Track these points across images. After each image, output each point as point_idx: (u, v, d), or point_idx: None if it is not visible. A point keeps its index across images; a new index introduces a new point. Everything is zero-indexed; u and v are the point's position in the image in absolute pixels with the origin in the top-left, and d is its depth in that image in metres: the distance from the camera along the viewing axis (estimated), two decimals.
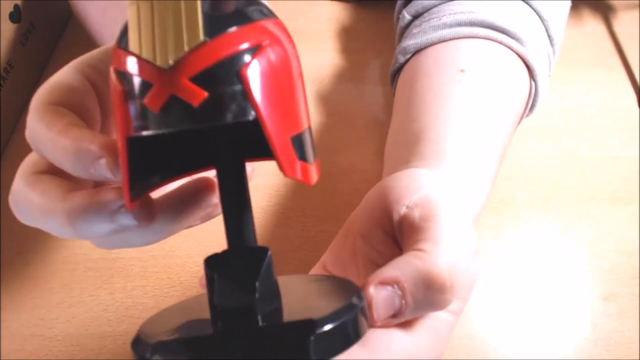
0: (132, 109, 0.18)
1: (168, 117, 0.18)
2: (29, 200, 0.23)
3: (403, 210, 0.29)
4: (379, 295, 0.23)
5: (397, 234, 0.30)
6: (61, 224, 0.22)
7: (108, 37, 0.44)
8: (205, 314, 0.21)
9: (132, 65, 0.18)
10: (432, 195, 0.29)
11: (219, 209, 0.22)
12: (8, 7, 0.53)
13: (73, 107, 0.23)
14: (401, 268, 0.24)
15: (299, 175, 0.19)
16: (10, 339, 0.42)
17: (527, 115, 0.46)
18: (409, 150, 0.36)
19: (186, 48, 0.17)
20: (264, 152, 0.19)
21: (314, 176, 0.20)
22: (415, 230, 0.27)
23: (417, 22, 0.45)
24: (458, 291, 0.26)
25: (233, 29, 0.18)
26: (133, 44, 0.18)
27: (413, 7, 0.46)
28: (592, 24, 0.65)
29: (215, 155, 0.22)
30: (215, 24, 0.18)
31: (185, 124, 0.18)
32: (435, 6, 0.45)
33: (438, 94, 0.39)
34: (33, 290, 0.45)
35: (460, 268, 0.26)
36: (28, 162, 0.25)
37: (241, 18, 0.18)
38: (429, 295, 0.24)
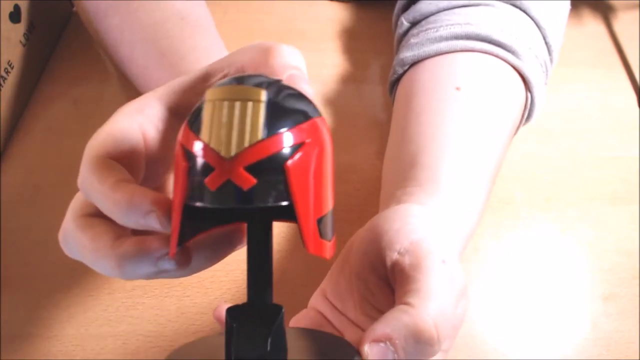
0: (192, 183, 0.22)
1: (221, 195, 0.22)
2: (81, 243, 0.25)
3: (395, 256, 0.30)
4: (373, 353, 0.25)
5: (390, 278, 0.31)
6: (110, 267, 0.25)
7: (126, 55, 0.45)
8: (221, 355, 0.24)
9: (200, 149, 0.22)
10: (422, 242, 0.30)
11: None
12: (8, 7, 0.53)
13: (124, 157, 0.26)
14: (391, 325, 0.26)
15: (318, 252, 0.23)
16: (10, 339, 0.42)
17: (524, 125, 0.46)
18: (405, 174, 0.37)
19: (246, 144, 0.21)
20: (291, 217, 0.23)
21: (329, 252, 0.24)
22: (405, 279, 0.29)
23: (414, 30, 0.46)
24: (445, 339, 0.28)
25: (284, 129, 0.22)
26: (205, 133, 0.22)
27: (411, 14, 0.47)
28: (592, 24, 0.65)
29: (248, 216, 0.25)
30: (272, 123, 0.22)
31: (234, 203, 0.22)
32: (432, 14, 0.45)
33: (434, 114, 0.40)
34: (33, 290, 0.45)
35: (446, 316, 0.28)
36: (78, 203, 0.26)
37: (293, 119, 0.22)
38: (418, 348, 0.26)
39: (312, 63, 0.59)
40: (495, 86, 0.42)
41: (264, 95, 0.22)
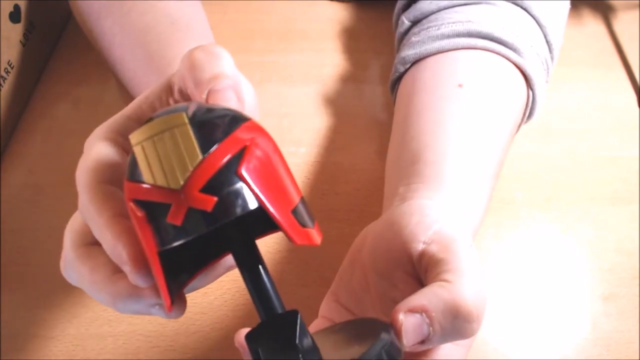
0: (156, 228, 0.22)
1: (190, 226, 0.21)
2: (80, 273, 0.26)
3: (420, 246, 0.30)
4: (408, 322, 0.25)
5: (419, 270, 0.30)
6: (105, 300, 0.26)
7: (118, 57, 0.45)
8: None
9: (148, 193, 0.22)
10: (445, 229, 0.30)
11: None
12: (8, 7, 0.53)
13: (117, 181, 0.26)
14: (428, 297, 0.25)
15: (305, 240, 0.23)
16: (10, 339, 0.42)
17: (525, 123, 0.46)
18: (409, 171, 0.37)
19: (190, 168, 0.21)
20: (269, 226, 0.24)
21: (317, 238, 0.24)
22: (436, 263, 0.28)
23: (415, 29, 0.46)
24: (482, 317, 0.27)
25: (220, 141, 0.22)
26: (146, 176, 0.22)
27: (412, 13, 0.47)
28: (592, 24, 0.65)
29: (230, 242, 0.25)
30: (206, 140, 0.22)
31: (204, 227, 0.21)
32: (433, 13, 0.45)
33: (436, 112, 0.39)
34: (33, 290, 0.45)
35: (482, 295, 0.27)
36: (76, 228, 0.27)
37: (224, 129, 0.22)
38: (456, 324, 0.25)
39: (312, 63, 0.60)
40: (497, 83, 0.41)
41: (185, 117, 0.22)
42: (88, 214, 0.25)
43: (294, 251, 0.46)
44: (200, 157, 0.21)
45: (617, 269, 0.46)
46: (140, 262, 0.23)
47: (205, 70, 0.25)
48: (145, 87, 0.40)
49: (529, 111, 0.45)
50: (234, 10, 0.65)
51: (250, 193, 0.21)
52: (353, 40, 0.62)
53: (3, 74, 0.53)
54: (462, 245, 0.29)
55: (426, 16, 0.46)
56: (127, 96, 0.46)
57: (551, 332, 0.43)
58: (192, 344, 0.42)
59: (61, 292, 0.44)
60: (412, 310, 0.25)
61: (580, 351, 0.42)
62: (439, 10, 0.45)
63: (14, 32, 0.54)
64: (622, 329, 0.43)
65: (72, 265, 0.26)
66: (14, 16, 0.54)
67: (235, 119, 0.23)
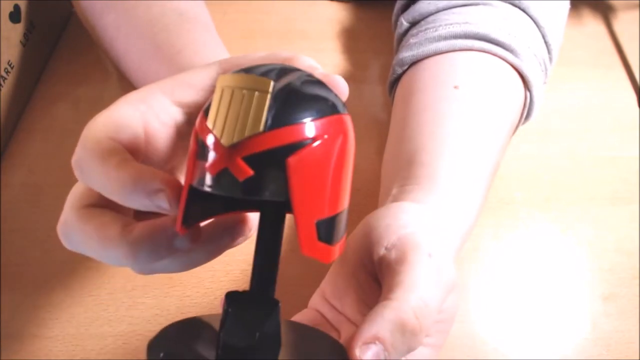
0: (199, 166, 0.22)
1: (219, 183, 0.22)
2: (86, 234, 0.25)
3: (382, 251, 0.30)
4: (366, 357, 0.25)
5: (378, 275, 0.31)
6: (123, 255, 0.24)
7: (122, 50, 0.45)
8: (212, 337, 0.24)
9: (204, 134, 0.22)
10: (410, 236, 0.30)
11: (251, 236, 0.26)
12: (8, 7, 0.53)
13: (124, 145, 0.25)
14: (377, 323, 0.26)
15: (314, 254, 0.22)
16: (10, 339, 0.42)
17: (523, 124, 0.46)
18: (404, 172, 0.37)
19: (246, 134, 0.21)
20: None
21: (330, 257, 0.23)
22: (390, 273, 0.29)
23: (414, 30, 0.46)
24: (430, 329, 0.28)
25: (292, 124, 0.21)
26: (210, 119, 0.22)
27: (410, 14, 0.47)
28: (592, 24, 0.65)
29: (261, 203, 0.25)
30: (280, 116, 0.21)
31: (232, 192, 0.21)
32: (431, 14, 0.45)
33: (433, 113, 0.40)
34: (33, 290, 0.45)
35: (429, 307, 0.27)
36: (76, 194, 0.26)
37: (305, 114, 0.22)
38: (405, 340, 0.26)
39: None
40: (494, 85, 0.42)
41: (271, 86, 0.21)
42: (88, 165, 0.24)
43: (294, 251, 0.46)
44: (261, 129, 0.21)
45: (617, 269, 0.46)
46: (173, 186, 0.23)
47: (309, 61, 0.26)
48: (153, 75, 0.40)
49: (527, 112, 0.45)
50: (234, 10, 0.65)
51: (286, 186, 0.21)
52: (353, 40, 0.62)
53: (3, 74, 0.53)
54: (419, 255, 0.29)
55: (424, 17, 0.46)
56: None
57: (551, 332, 0.43)
58: None
59: (61, 292, 0.44)
60: (367, 342, 0.25)
61: (580, 351, 0.42)
62: (437, 11, 0.45)
63: (14, 32, 0.54)
64: (622, 329, 0.43)
65: (74, 227, 0.25)
66: (14, 16, 0.54)
67: (327, 107, 0.23)
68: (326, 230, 0.23)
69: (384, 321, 0.26)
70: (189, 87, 0.27)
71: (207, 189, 0.22)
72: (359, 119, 0.55)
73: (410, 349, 0.27)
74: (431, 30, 0.44)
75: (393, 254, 0.30)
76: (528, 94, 0.44)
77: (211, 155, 0.22)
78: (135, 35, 0.43)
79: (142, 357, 0.42)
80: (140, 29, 0.43)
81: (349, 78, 0.59)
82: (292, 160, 0.21)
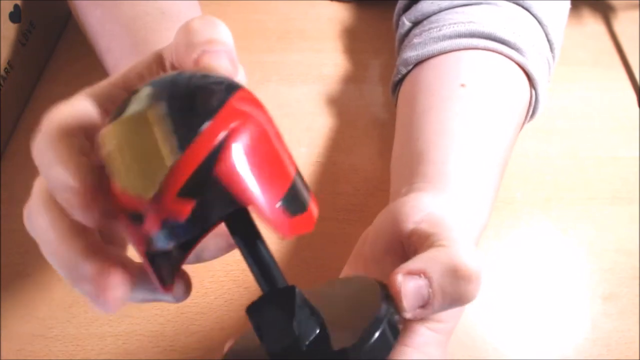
0: (140, 231, 0.20)
1: (170, 234, 0.19)
2: (39, 224, 0.23)
3: (411, 226, 0.30)
4: (407, 285, 0.24)
5: (408, 251, 0.30)
6: (56, 264, 0.23)
7: (104, 46, 0.45)
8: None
9: (124, 200, 0.20)
10: (437, 212, 0.30)
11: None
12: (8, 7, 0.53)
13: (84, 134, 0.23)
14: (425, 260, 0.24)
15: (295, 232, 0.21)
16: (10, 339, 0.42)
17: (528, 122, 0.46)
18: (413, 171, 0.37)
19: (163, 174, 0.19)
20: None
21: (311, 221, 0.22)
22: (426, 237, 0.28)
23: (416, 30, 0.46)
24: (481, 281, 0.26)
25: (197, 135, 0.19)
26: (118, 182, 0.20)
27: (412, 14, 0.46)
28: (592, 24, 0.65)
29: (221, 219, 0.23)
30: (179, 136, 0.19)
31: (185, 235, 0.19)
32: (434, 13, 0.45)
33: (440, 111, 0.39)
34: (33, 290, 0.45)
35: (480, 261, 0.26)
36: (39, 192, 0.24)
37: (202, 116, 0.19)
38: (455, 286, 0.25)
39: (312, 63, 0.60)
40: (500, 83, 0.41)
41: (153, 115, 0.19)
42: (44, 157, 0.22)
43: (294, 251, 0.46)
44: (170, 162, 0.19)
45: (617, 269, 0.46)
46: (90, 197, 0.20)
47: (200, 35, 0.24)
48: None
49: (532, 110, 0.45)
50: (234, 10, 0.65)
51: (229, 194, 0.19)
52: (353, 40, 0.62)
53: (3, 74, 0.53)
54: (453, 223, 0.28)
55: (427, 17, 0.46)
56: None
57: (551, 332, 0.43)
58: (193, 344, 0.42)
59: (61, 292, 0.44)
60: (411, 273, 0.24)
61: (580, 351, 0.42)
62: (440, 11, 0.45)
63: (14, 32, 0.54)
64: (622, 329, 0.43)
65: (33, 213, 0.23)
66: (14, 16, 0.54)
67: (220, 95, 0.20)
68: (292, 202, 0.21)
69: (434, 261, 0.24)
70: (140, 74, 0.26)
71: (162, 247, 0.20)
72: (359, 119, 0.56)
73: (459, 299, 0.25)
74: (435, 29, 0.43)
75: (425, 225, 0.29)
76: (533, 92, 0.44)
77: (145, 215, 0.19)
78: (117, 33, 0.43)
79: (142, 357, 0.42)
80: (122, 27, 0.43)
81: (349, 78, 0.59)
82: (218, 170, 0.19)
